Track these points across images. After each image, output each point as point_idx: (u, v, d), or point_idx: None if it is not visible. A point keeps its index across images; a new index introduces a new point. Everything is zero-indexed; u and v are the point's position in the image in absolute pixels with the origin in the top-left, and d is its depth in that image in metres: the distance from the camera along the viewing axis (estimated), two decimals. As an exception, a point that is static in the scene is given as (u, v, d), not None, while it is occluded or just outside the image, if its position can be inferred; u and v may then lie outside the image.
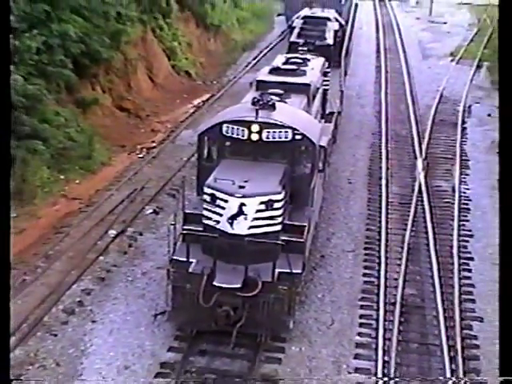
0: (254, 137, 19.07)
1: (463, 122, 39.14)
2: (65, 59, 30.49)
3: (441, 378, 17.81)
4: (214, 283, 17.07)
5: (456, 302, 20.80)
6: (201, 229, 18.13)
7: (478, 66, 54.49)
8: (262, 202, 17.47)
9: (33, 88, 27.23)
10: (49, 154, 28.04)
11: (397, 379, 17.57)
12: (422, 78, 49.40)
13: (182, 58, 48.86)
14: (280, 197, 17.88)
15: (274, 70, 25.93)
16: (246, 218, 17.34)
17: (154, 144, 34.02)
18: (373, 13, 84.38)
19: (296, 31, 39.92)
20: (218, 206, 17.61)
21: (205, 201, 18.05)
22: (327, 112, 28.85)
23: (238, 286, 17.02)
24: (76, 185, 28.55)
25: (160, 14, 47.00)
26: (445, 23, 79.54)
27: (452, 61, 57.21)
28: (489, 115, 41.06)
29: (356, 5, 78.08)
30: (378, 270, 22.53)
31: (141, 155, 32.42)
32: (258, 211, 17.44)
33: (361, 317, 20.16)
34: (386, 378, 17.58)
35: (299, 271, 17.70)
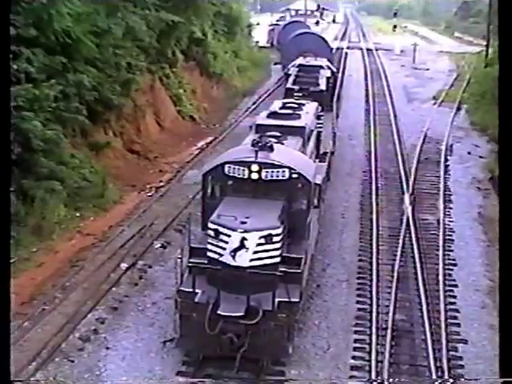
0: (254, 176, 19.07)
1: (446, 160, 39.13)
2: (80, 106, 30.53)
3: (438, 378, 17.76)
4: (219, 312, 16.98)
5: (442, 326, 20.68)
6: (206, 261, 18.07)
7: (458, 109, 54.72)
8: (262, 236, 17.42)
9: (51, 133, 27.27)
10: (65, 193, 28.05)
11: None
12: (407, 120, 49.51)
13: (187, 104, 48.98)
14: (279, 231, 17.84)
15: (272, 114, 26.03)
16: (247, 251, 17.27)
17: (162, 183, 33.95)
18: (361, 61, 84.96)
19: (291, 78, 40.09)
20: (222, 241, 17.55)
21: (209, 235, 18.00)
22: (321, 152, 28.84)
23: (241, 314, 16.92)
24: (90, 221, 28.46)
25: (167, 63, 47.18)
26: (427, 70, 79.99)
27: (434, 104, 57.42)
28: (469, 153, 41.19)
29: (346, 54, 78.83)
30: (370, 298, 22.39)
31: (150, 194, 32.34)
32: (258, 245, 17.39)
33: (355, 341, 20.00)
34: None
35: (297, 300, 17.61)
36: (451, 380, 17.62)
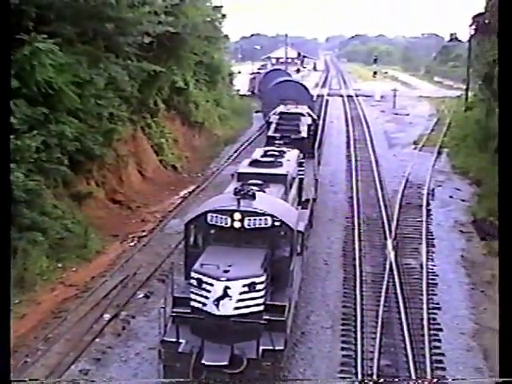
0: (237, 224, 19.14)
1: (428, 204, 39.34)
2: (61, 157, 30.56)
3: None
4: (203, 361, 16.90)
5: (428, 370, 20.68)
6: (189, 311, 18.02)
7: (439, 153, 55.31)
8: (245, 285, 17.44)
9: (32, 184, 27.23)
10: (47, 244, 27.98)
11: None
12: (388, 165, 49.88)
13: (168, 153, 49.18)
14: (262, 279, 17.85)
15: (254, 163, 26.16)
16: (230, 300, 17.26)
17: (145, 233, 33.92)
18: (342, 107, 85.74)
19: (273, 126, 40.30)
20: (205, 290, 17.54)
21: (192, 285, 18.00)
22: (303, 199, 28.95)
23: (225, 363, 16.85)
24: (73, 272, 28.35)
25: (148, 113, 47.45)
26: (407, 115, 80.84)
27: (415, 148, 57.95)
28: (451, 197, 41.47)
29: (327, 101, 79.47)
30: (355, 344, 22.34)
31: (132, 244, 32.30)
32: (241, 293, 17.38)
33: (340, 388, 19.99)
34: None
35: (281, 348, 17.56)
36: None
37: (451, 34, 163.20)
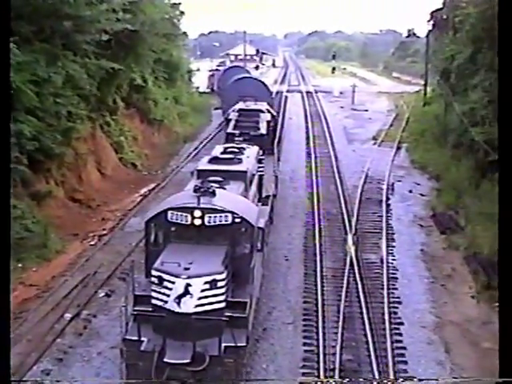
0: (197, 222, 19.15)
1: (387, 199, 39.67)
2: (20, 156, 30.30)
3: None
4: (165, 360, 16.90)
5: (390, 364, 20.86)
6: (150, 309, 18.00)
7: (398, 148, 55.73)
8: (206, 282, 17.47)
9: (-10, 184, 26.96)
10: (7, 244, 27.70)
11: None
12: (348, 161, 50.13)
13: (128, 151, 48.97)
14: (223, 276, 17.90)
15: (213, 160, 26.16)
16: (191, 298, 17.28)
17: (105, 231, 33.78)
18: (301, 104, 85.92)
19: (232, 123, 40.35)
20: (166, 287, 17.54)
21: (153, 283, 17.98)
22: (263, 195, 29.02)
23: (188, 361, 16.86)
24: (33, 272, 28.14)
25: (107, 111, 47.20)
26: (366, 110, 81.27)
27: (374, 144, 58.36)
28: (410, 191, 41.80)
29: (286, 97, 79.55)
30: (317, 339, 22.46)
31: (93, 242, 32.14)
32: (203, 290, 17.42)
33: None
34: None
35: (243, 344, 17.61)
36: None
37: (409, 30, 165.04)
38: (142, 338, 17.41)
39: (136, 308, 18.41)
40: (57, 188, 36.38)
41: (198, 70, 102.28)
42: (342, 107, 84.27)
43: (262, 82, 63.94)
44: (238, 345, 17.28)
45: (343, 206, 37.50)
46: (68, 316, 24.05)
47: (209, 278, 17.55)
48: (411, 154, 53.02)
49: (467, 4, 43.63)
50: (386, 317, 24.07)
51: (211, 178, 22.29)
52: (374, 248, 31.40)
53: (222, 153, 27.85)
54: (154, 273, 17.96)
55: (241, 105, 45.97)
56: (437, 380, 18.92)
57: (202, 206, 19.21)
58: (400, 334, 23.14)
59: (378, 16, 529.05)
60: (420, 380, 19.88)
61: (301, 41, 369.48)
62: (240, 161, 26.09)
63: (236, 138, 33.19)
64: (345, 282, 26.94)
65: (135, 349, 17.38)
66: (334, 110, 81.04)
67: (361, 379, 20.28)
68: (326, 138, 59.52)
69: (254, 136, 35.63)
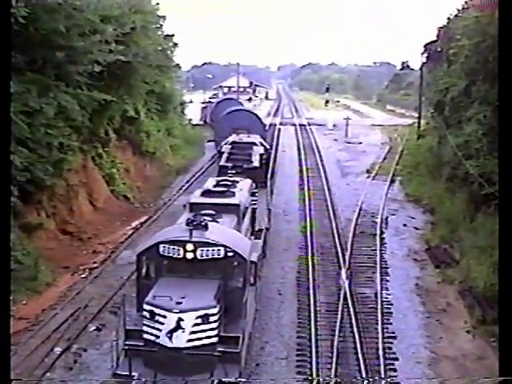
0: (189, 255, 19.13)
1: (381, 233, 39.65)
2: (11, 187, 30.28)
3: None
4: (156, 395, 16.81)
5: (384, 400, 20.80)
6: (142, 344, 17.91)
7: (392, 181, 55.84)
8: (198, 316, 17.42)
9: (-20, 215, 26.91)
10: (-4, 277, 27.58)
11: None
12: (341, 194, 50.15)
13: (120, 184, 48.95)
14: (215, 310, 17.84)
15: (206, 193, 26.21)
16: (183, 332, 17.23)
17: (96, 264, 33.65)
18: (294, 136, 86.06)
19: (225, 156, 40.46)
20: (158, 322, 17.49)
21: (145, 317, 17.91)
22: (256, 229, 29.02)
23: (179, 397, 16.77)
24: (23, 305, 27.99)
25: (99, 143, 47.23)
26: (360, 143, 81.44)
27: (368, 177, 58.39)
28: (404, 225, 41.83)
29: (279, 130, 79.86)
30: (311, 375, 22.34)
31: (83, 275, 32.02)
32: (195, 325, 17.36)
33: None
34: None
35: (236, 380, 17.48)
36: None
37: (403, 63, 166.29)
38: (133, 373, 17.30)
39: (127, 342, 18.31)
40: (48, 220, 36.32)
41: (191, 101, 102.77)
42: (335, 140, 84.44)
43: (255, 115, 64.25)
44: (231, 381, 17.17)
45: (337, 239, 37.45)
46: (58, 350, 23.89)
47: (201, 313, 17.49)
48: (405, 187, 53.11)
49: (461, 36, 43.95)
50: (381, 352, 23.96)
51: (204, 212, 22.30)
52: (368, 282, 31.33)
53: (214, 186, 27.91)
54: (145, 307, 17.89)
55: (234, 137, 46.17)
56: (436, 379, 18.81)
57: (194, 239, 19.20)
58: (394, 370, 23.04)
59: (371, 48, 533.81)
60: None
61: (294, 73, 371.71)
62: (233, 194, 26.13)
63: (229, 171, 33.27)
64: (339, 316, 26.85)
65: (126, 384, 17.30)
66: (327, 142, 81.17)
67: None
68: (320, 171, 59.55)
69: (247, 169, 35.73)
